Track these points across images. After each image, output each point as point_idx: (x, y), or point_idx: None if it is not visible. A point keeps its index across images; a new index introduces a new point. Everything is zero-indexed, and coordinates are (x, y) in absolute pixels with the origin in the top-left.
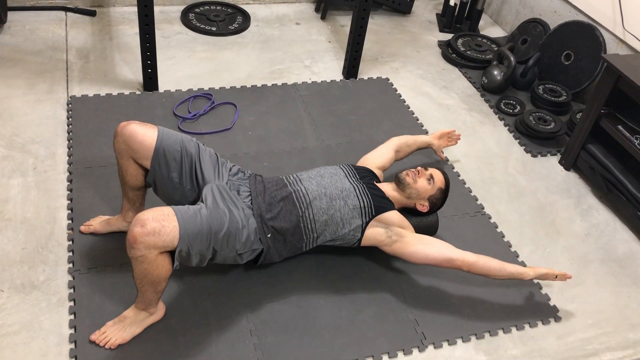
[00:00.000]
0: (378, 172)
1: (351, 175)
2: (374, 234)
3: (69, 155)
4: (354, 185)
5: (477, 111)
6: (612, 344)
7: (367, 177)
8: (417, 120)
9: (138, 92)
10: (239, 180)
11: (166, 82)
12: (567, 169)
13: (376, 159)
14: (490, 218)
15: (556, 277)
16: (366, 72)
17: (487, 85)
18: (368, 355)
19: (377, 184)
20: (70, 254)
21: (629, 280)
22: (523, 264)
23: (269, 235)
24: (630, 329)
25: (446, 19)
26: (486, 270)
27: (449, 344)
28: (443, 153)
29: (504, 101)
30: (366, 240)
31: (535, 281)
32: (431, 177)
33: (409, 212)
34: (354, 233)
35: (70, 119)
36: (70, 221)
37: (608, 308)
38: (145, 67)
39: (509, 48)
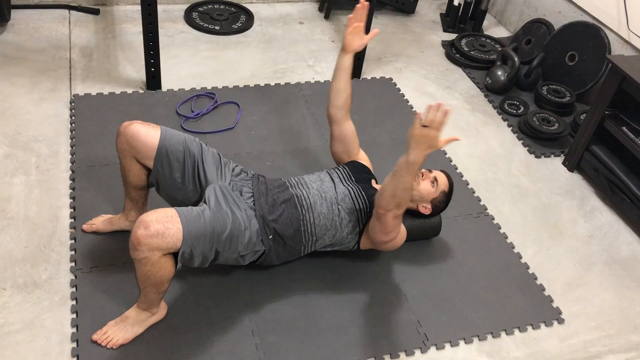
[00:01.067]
0: (363, 157)
1: (347, 177)
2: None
3: (72, 154)
4: (349, 188)
5: (480, 112)
6: (615, 346)
7: (363, 178)
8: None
9: (141, 91)
10: (242, 180)
11: (169, 81)
12: (570, 170)
13: (345, 151)
14: (493, 219)
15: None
16: (369, 72)
17: (491, 86)
18: (370, 356)
19: (377, 185)
20: (73, 252)
21: (633, 282)
22: (526, 266)
23: (270, 237)
24: (634, 331)
25: (450, 19)
26: (386, 192)
27: (451, 346)
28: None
29: (507, 102)
30: (364, 243)
31: (538, 282)
32: (435, 180)
33: (411, 214)
34: (352, 237)
35: (73, 118)
36: (72, 220)
37: (611, 310)
38: (148, 65)
39: (513, 48)
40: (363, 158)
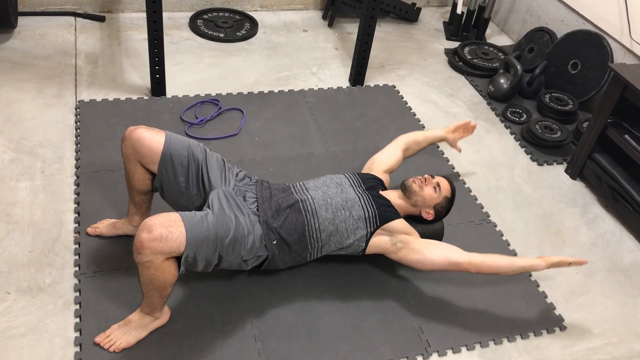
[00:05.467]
0: (384, 177)
1: (356, 184)
2: (379, 242)
3: (77, 159)
4: (359, 195)
5: (483, 119)
6: (618, 354)
7: (372, 186)
8: (424, 127)
9: (146, 97)
10: (246, 185)
11: (174, 87)
12: (573, 178)
13: (383, 162)
14: (495, 226)
15: (570, 264)
16: (372, 79)
17: (494, 94)
18: None
19: (383, 192)
20: (77, 257)
21: (635, 290)
22: (528, 272)
23: (274, 242)
24: (636, 339)
25: (453, 27)
26: (495, 269)
27: (453, 352)
28: (457, 145)
29: (510, 109)
30: (371, 248)
31: (540, 290)
32: (438, 185)
33: (414, 219)
34: (358, 243)
35: (78, 123)
36: (77, 225)
37: (613, 318)
38: (153, 72)
39: (516, 56)
40: (385, 177)
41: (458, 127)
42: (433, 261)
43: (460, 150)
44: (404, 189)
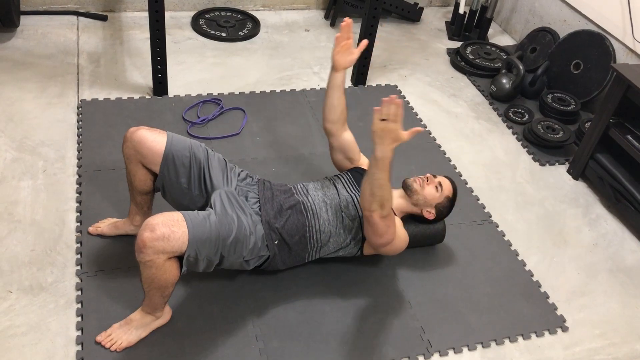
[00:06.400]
0: (365, 163)
1: (350, 184)
2: None
3: (79, 159)
4: (352, 194)
5: (485, 119)
6: (620, 354)
7: None
8: (425, 127)
9: (148, 97)
10: (248, 185)
11: (176, 87)
12: (575, 178)
13: (346, 160)
14: (497, 226)
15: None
16: (375, 79)
17: (496, 94)
18: None
19: None
20: (79, 256)
21: (638, 290)
22: (530, 273)
23: (275, 242)
24: (638, 339)
25: (455, 27)
26: (365, 194)
27: (454, 352)
28: (356, 50)
29: (512, 110)
30: (367, 248)
31: (542, 290)
32: (439, 184)
33: (415, 219)
34: (355, 242)
35: (80, 123)
36: (78, 224)
37: (616, 318)
38: (155, 71)
39: (518, 57)
40: (365, 163)
41: (338, 49)
42: (366, 230)
43: (367, 43)
44: (405, 188)
